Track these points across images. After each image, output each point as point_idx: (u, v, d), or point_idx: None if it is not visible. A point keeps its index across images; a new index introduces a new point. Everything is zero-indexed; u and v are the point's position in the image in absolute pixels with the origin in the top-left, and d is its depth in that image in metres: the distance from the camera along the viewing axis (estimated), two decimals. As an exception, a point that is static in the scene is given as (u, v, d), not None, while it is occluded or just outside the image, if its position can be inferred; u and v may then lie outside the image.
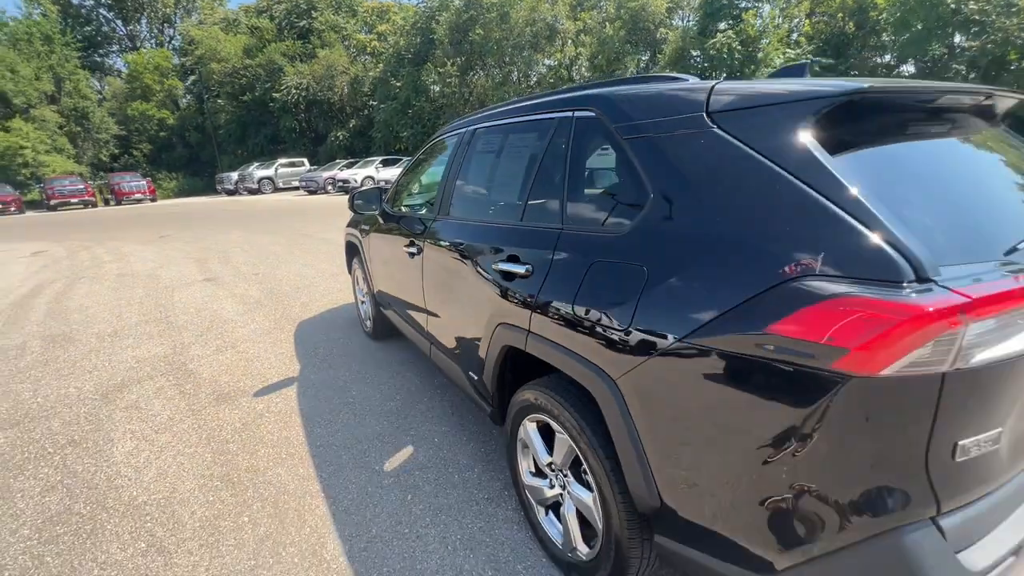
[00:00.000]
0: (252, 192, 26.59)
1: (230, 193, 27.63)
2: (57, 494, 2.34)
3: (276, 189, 26.54)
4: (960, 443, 0.96)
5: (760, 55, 16.99)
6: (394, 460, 2.49)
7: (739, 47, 16.73)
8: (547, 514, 1.85)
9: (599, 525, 1.53)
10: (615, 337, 1.33)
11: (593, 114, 1.62)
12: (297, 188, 25.32)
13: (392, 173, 20.41)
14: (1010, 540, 1.06)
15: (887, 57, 17.35)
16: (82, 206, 24.83)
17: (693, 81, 1.49)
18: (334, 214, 13.78)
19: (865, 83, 1.12)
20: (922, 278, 0.90)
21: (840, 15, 16.38)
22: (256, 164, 27.53)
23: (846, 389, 0.92)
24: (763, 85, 1.28)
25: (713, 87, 1.31)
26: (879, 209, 0.97)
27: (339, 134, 28.49)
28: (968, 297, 0.87)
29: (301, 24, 31.80)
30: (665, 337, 1.20)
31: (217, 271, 7.07)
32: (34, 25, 31.43)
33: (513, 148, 2.19)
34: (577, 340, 1.47)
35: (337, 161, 25.19)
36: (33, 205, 26.59)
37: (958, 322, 0.86)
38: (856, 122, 1.16)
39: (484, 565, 1.84)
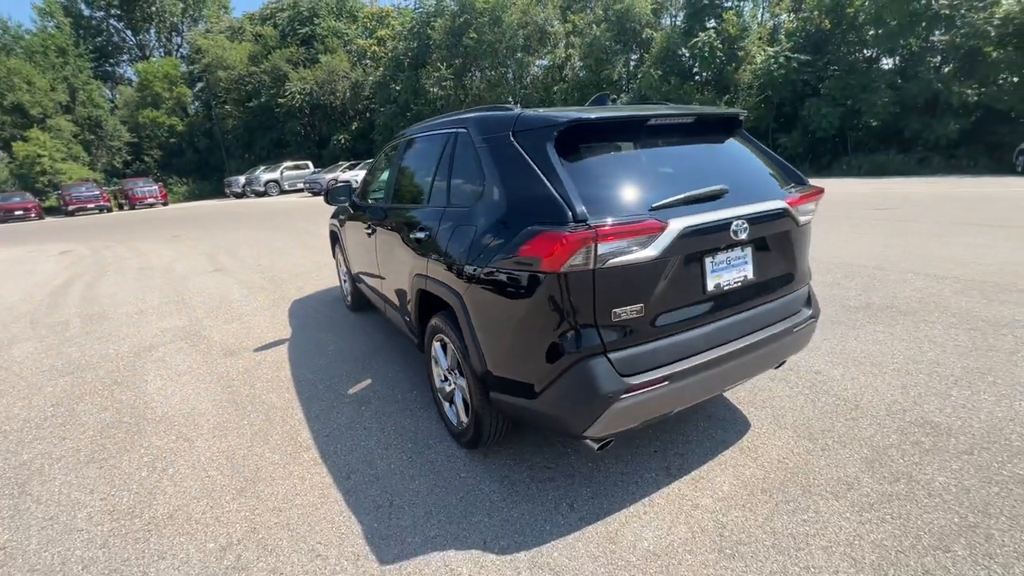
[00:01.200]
0: (259, 195, 27.65)
1: (238, 196, 28.69)
2: (109, 413, 3.21)
3: (282, 191, 27.58)
4: (614, 311, 1.78)
5: (741, 53, 17.66)
6: (355, 388, 3.33)
7: (720, 46, 17.41)
8: (449, 406, 2.68)
9: (470, 400, 2.35)
10: (461, 270, 2.16)
11: (465, 130, 2.44)
12: (302, 190, 26.32)
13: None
14: (664, 372, 1.87)
15: (868, 52, 17.92)
16: (98, 211, 26.00)
17: (516, 110, 2.30)
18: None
19: (591, 113, 1.94)
20: (579, 221, 1.72)
21: (816, 12, 16.98)
22: (263, 168, 28.56)
23: (547, 280, 1.75)
24: (542, 113, 2.09)
25: (519, 115, 2.12)
26: (568, 187, 1.79)
27: (341, 137, 29.47)
28: (595, 229, 1.69)
29: (303, 31, 32.78)
30: (483, 266, 2.02)
31: (225, 263, 7.97)
32: (49, 38, 32.73)
33: (425, 153, 3.01)
34: (445, 275, 2.30)
35: (340, 163, 26.12)
36: (51, 211, 27.78)
37: (590, 242, 1.68)
38: (581, 137, 1.98)
39: (407, 442, 2.67)
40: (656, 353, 1.89)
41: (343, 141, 29.50)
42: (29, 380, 3.80)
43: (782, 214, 2.13)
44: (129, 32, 42.02)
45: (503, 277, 1.94)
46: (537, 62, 23.27)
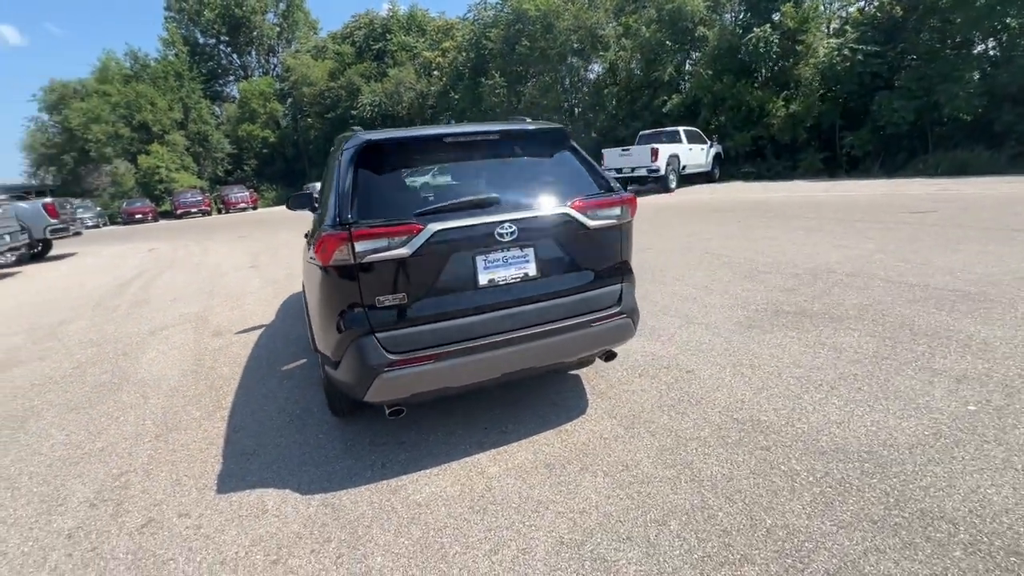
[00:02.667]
0: (332, 199, 30.13)
1: (315, 201, 31.45)
2: (107, 375, 4.05)
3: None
4: (379, 298, 2.15)
5: (800, 47, 16.60)
6: (289, 365, 3.92)
7: (777, 40, 16.49)
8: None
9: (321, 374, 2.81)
10: (307, 258, 2.63)
11: (348, 148, 2.90)
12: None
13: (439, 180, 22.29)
14: (430, 352, 2.21)
15: (953, 38, 16.11)
16: (200, 214, 29.69)
17: (361, 133, 2.71)
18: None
19: (375, 136, 2.33)
20: (343, 224, 2.11)
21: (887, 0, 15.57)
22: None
23: (327, 272, 2.16)
24: (361, 135, 2.49)
25: (351, 136, 2.55)
26: (350, 197, 2.19)
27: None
28: (351, 230, 2.07)
29: (377, 47, 35.23)
30: (313, 258, 2.48)
31: (262, 261, 9.09)
32: (169, 65, 37.83)
33: (329, 167, 3.52)
34: (303, 271, 2.79)
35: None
36: (165, 214, 32.08)
37: (346, 241, 2.07)
38: (381, 155, 2.37)
39: (298, 408, 3.19)
40: (423, 335, 2.24)
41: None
42: (68, 348, 4.81)
43: (565, 219, 2.39)
44: (235, 55, 47.38)
45: (311, 270, 2.40)
46: (589, 66, 23.30)
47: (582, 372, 3.29)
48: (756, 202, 11.39)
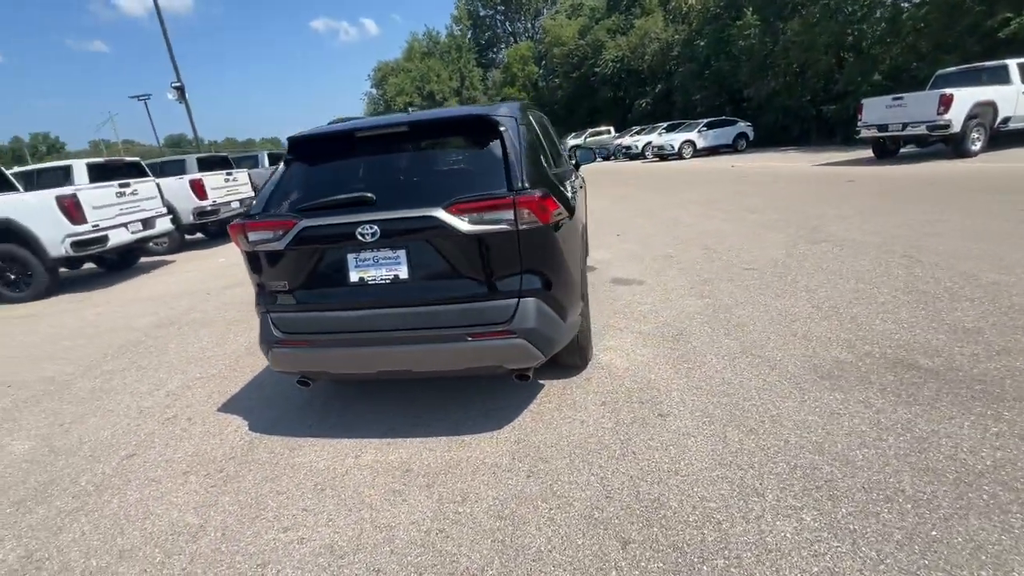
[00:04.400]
0: (565, 158, 31.34)
1: (551, 159, 33.24)
2: (175, 346, 5.47)
3: (583, 156, 30.40)
4: (269, 283, 2.37)
5: None
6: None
7: None
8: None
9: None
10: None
11: None
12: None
13: (670, 138, 20.67)
14: (304, 337, 2.34)
15: None
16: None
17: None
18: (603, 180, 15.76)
19: (301, 133, 2.46)
20: (248, 216, 2.36)
21: None
22: (573, 135, 32.01)
23: (244, 254, 2.48)
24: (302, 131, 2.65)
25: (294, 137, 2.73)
26: (267, 190, 2.41)
27: (644, 102, 29.78)
28: (246, 222, 2.30)
29: (628, -3, 33.81)
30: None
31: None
32: (453, 40, 44.41)
33: None
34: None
35: (632, 128, 26.76)
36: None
37: (241, 231, 2.32)
38: (304, 151, 2.48)
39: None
40: (299, 321, 2.38)
41: (644, 105, 29.81)
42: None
43: (433, 222, 2.12)
44: (507, 23, 52.28)
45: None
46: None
47: (565, 385, 2.93)
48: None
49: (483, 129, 2.36)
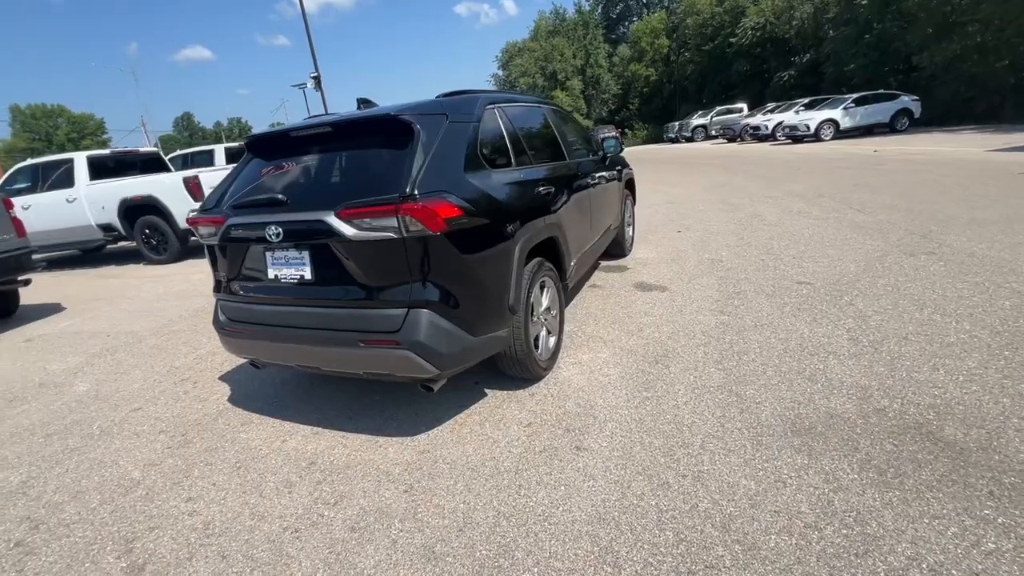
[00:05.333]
0: (687, 140, 29.04)
1: (672, 141, 31.05)
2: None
3: (708, 136, 27.90)
4: (217, 272, 2.56)
5: None
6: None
7: None
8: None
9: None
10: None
11: None
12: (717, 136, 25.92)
13: (806, 117, 17.99)
14: (238, 327, 2.50)
15: None
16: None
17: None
18: (706, 165, 14.53)
19: (258, 132, 2.59)
20: (203, 211, 2.56)
21: None
22: (699, 112, 29.48)
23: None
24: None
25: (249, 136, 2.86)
26: (221, 188, 2.60)
27: (786, 74, 26.21)
28: (195, 218, 2.51)
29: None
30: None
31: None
32: (581, 16, 43.14)
33: None
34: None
35: (767, 105, 23.79)
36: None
37: (192, 224, 2.53)
38: (255, 150, 2.61)
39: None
40: (237, 310, 2.55)
41: (786, 79, 26.23)
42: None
43: (322, 226, 2.10)
44: (641, -6, 49.28)
45: None
46: None
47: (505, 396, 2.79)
48: None
49: (394, 130, 2.26)
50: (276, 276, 2.39)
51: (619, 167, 4.80)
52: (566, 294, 3.33)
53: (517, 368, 2.71)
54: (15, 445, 2.93)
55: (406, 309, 2.15)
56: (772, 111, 21.89)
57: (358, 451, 2.44)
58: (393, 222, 2.02)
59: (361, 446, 2.48)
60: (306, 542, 1.91)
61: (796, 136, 18.10)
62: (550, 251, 3.02)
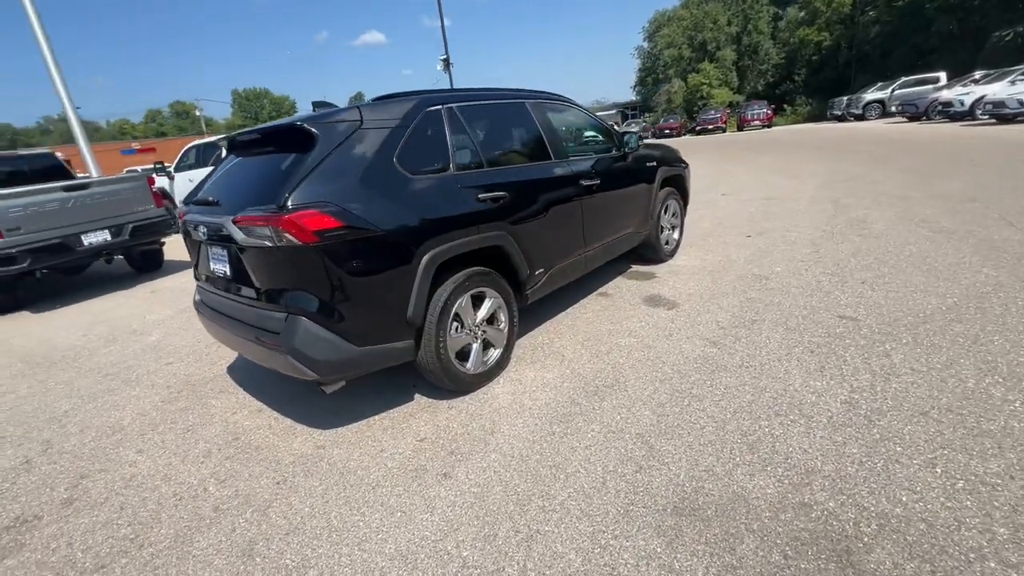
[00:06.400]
0: (856, 118, 24.50)
1: (838, 119, 26.46)
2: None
3: (884, 114, 23.22)
4: (191, 257, 2.92)
5: None
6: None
7: None
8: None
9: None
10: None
11: None
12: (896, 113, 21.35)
13: (1019, 90, 13.93)
14: (202, 309, 2.83)
15: None
16: (718, 131, 31.01)
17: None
18: (849, 149, 12.41)
19: (232, 134, 2.85)
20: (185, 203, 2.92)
21: None
22: (877, 85, 24.61)
23: None
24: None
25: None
26: (200, 183, 2.93)
27: (1008, 32, 20.43)
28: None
29: None
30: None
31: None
32: (744, -26, 38.36)
33: None
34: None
35: (974, 74, 18.88)
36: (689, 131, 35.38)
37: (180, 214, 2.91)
38: (231, 148, 2.86)
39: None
40: (201, 293, 2.87)
41: (1009, 37, 20.43)
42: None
43: (223, 231, 2.25)
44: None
45: None
46: None
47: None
48: None
49: (298, 138, 2.30)
50: (213, 269, 2.65)
51: (650, 163, 4.27)
52: (524, 305, 3.13)
53: (434, 379, 2.66)
54: (84, 379, 3.73)
55: (286, 315, 2.24)
56: (977, 81, 17.33)
57: (276, 435, 2.65)
58: (268, 231, 2.10)
59: (282, 430, 2.68)
60: (180, 511, 2.15)
61: (1003, 115, 14.14)
62: (498, 261, 2.86)
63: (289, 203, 2.08)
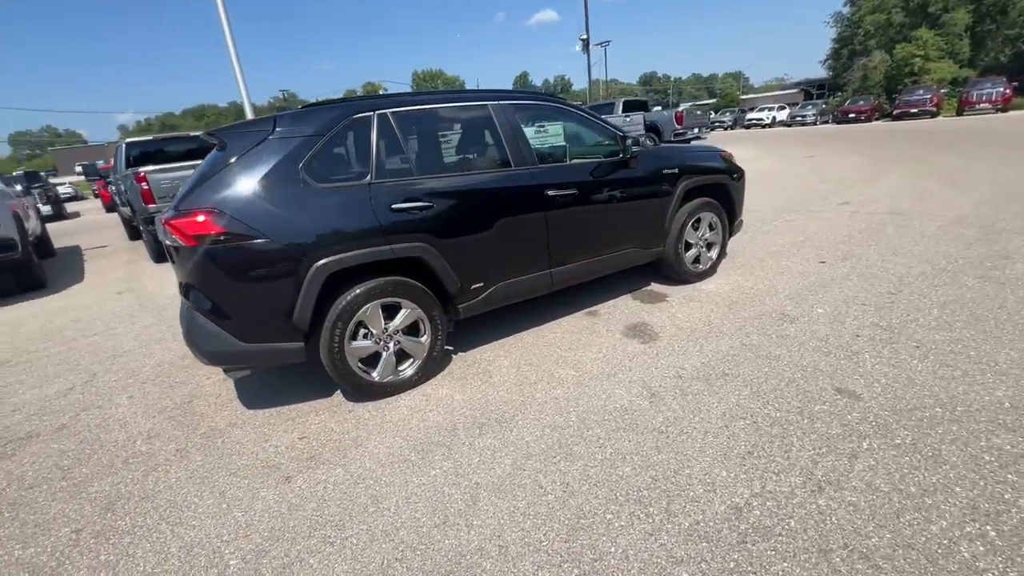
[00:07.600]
0: None
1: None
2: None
3: None
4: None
5: None
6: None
7: None
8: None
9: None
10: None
11: None
12: None
13: None
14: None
15: None
16: (926, 116, 24.83)
17: None
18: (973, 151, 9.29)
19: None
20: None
21: None
22: None
23: None
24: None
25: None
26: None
27: None
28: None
29: None
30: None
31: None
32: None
33: None
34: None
35: None
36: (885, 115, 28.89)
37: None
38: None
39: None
40: None
41: None
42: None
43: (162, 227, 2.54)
44: None
45: None
46: None
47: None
48: None
49: (216, 145, 2.49)
50: (181, 254, 3.05)
51: (668, 170, 3.67)
52: (456, 319, 3.02)
53: (338, 383, 2.74)
54: (132, 341, 4.64)
55: (188, 306, 2.50)
56: None
57: (216, 406, 3.00)
58: (167, 231, 2.36)
59: (224, 402, 3.03)
60: (105, 456, 2.59)
61: None
62: (421, 271, 2.80)
63: (180, 206, 2.29)
